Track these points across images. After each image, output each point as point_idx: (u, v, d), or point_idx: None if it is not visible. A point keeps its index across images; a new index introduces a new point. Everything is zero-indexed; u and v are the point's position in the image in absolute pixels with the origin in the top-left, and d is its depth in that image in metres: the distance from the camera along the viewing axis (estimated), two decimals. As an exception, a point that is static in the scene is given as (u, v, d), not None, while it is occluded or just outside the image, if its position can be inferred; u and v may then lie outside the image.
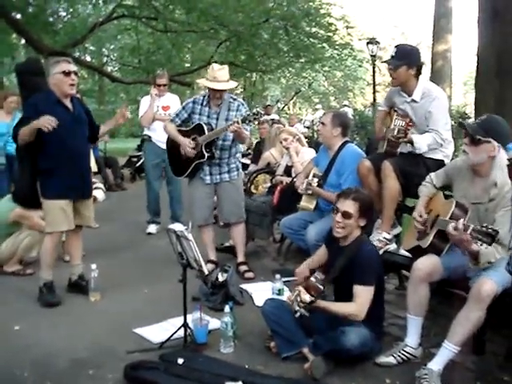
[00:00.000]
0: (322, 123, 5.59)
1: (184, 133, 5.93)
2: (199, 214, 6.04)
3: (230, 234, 6.41)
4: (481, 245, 3.32)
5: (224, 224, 6.73)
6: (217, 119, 5.83)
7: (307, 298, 3.83)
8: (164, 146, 7.75)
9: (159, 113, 7.90)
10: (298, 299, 3.86)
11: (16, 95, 8.43)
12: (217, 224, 7.16)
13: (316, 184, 5.45)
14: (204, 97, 5.98)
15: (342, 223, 4.00)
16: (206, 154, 5.76)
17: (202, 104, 5.93)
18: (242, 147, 6.21)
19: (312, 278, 4.01)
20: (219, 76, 5.71)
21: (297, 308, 3.85)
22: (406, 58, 4.82)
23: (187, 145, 5.81)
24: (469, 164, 3.79)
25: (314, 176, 5.59)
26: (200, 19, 16.66)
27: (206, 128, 5.75)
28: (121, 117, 5.45)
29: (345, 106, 25.08)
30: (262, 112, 5.72)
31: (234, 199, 6.04)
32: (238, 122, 5.45)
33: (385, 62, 5.00)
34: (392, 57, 4.88)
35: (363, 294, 3.84)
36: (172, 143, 6.13)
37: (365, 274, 3.87)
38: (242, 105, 5.96)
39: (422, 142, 4.75)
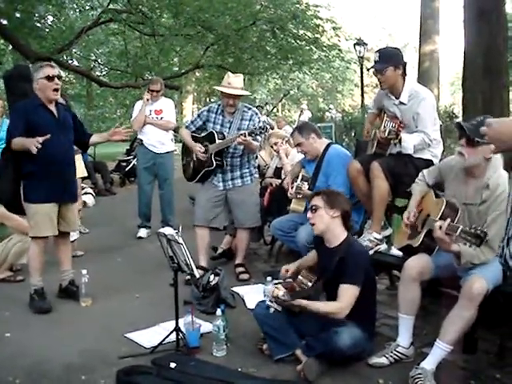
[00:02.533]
0: (298, 144, 5.59)
1: (197, 139, 6.01)
2: (200, 214, 6.04)
3: (236, 237, 6.40)
4: (470, 246, 3.33)
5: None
6: (229, 128, 5.89)
7: (280, 293, 3.86)
8: (155, 150, 7.86)
9: (151, 116, 7.94)
10: (274, 295, 3.87)
11: (1, 99, 8.41)
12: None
13: (306, 187, 5.44)
14: (219, 105, 6.03)
15: (312, 219, 4.09)
16: (215, 163, 5.83)
17: (216, 112, 5.99)
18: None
19: (300, 276, 4.05)
20: (233, 82, 5.79)
21: (268, 303, 3.90)
22: (390, 59, 4.84)
23: (197, 149, 5.90)
24: (464, 166, 3.78)
25: (302, 179, 5.59)
26: (187, 23, 16.63)
27: (216, 137, 5.81)
28: (113, 134, 5.44)
29: (329, 109, 25.24)
30: (268, 126, 5.77)
31: (248, 204, 6.04)
32: (244, 135, 5.51)
33: (371, 68, 5.01)
34: (376, 62, 4.89)
35: (347, 293, 3.84)
36: (185, 148, 6.23)
37: (351, 273, 3.87)
38: (256, 114, 5.98)
39: (409, 142, 4.77)
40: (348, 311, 3.82)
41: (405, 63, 4.89)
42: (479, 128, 3.64)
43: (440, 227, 3.50)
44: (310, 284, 4.02)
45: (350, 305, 3.82)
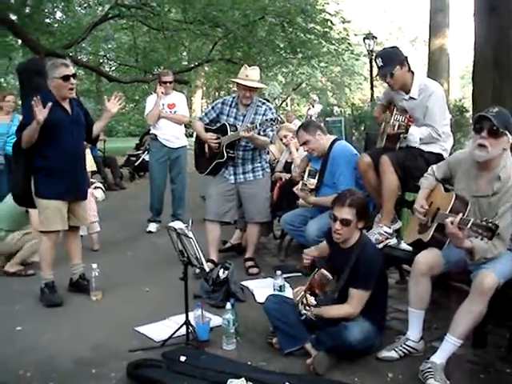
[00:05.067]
0: (304, 142, 5.53)
1: (209, 132, 6.01)
2: (212, 208, 6.04)
3: (246, 231, 6.41)
4: (481, 239, 3.31)
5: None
6: (242, 121, 5.88)
7: (313, 300, 3.86)
8: (170, 144, 7.87)
9: (165, 111, 7.90)
10: (304, 301, 3.88)
11: (13, 94, 8.43)
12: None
13: (314, 182, 5.45)
14: (233, 98, 6.04)
15: (341, 230, 3.99)
16: (226, 155, 5.84)
17: (230, 105, 5.99)
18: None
19: (316, 276, 4.03)
20: (251, 75, 5.79)
21: (303, 311, 3.88)
22: (394, 59, 4.81)
23: (210, 139, 5.92)
24: (485, 158, 3.67)
25: (309, 174, 5.59)
26: (196, 18, 16.63)
27: (229, 129, 5.82)
28: (109, 108, 5.40)
29: (334, 105, 25.20)
30: (279, 118, 5.77)
31: (259, 198, 6.04)
32: (251, 129, 5.53)
33: (377, 75, 5.02)
34: (381, 67, 4.86)
35: (358, 298, 3.87)
36: (199, 140, 6.23)
37: (364, 279, 3.88)
38: (270, 109, 5.96)
39: (415, 135, 4.78)
40: (358, 313, 3.86)
41: (406, 57, 4.87)
42: (501, 118, 3.61)
43: (452, 222, 3.46)
44: (326, 285, 4.00)
45: (360, 308, 3.86)
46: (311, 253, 4.53)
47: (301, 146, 5.77)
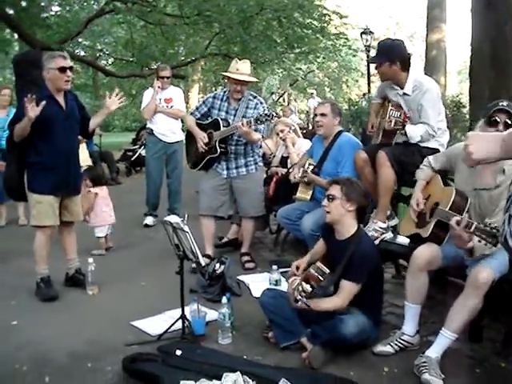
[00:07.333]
0: (322, 114, 5.55)
1: (201, 126, 5.97)
2: (205, 203, 6.02)
3: (241, 226, 6.41)
4: (485, 244, 3.28)
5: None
6: (234, 115, 5.85)
7: (308, 287, 3.85)
8: (166, 139, 7.85)
9: (161, 105, 7.88)
10: (300, 288, 3.87)
11: (9, 88, 8.40)
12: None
13: (311, 171, 5.46)
14: (225, 92, 6.00)
15: (327, 207, 4.06)
16: (219, 150, 5.81)
17: (221, 99, 5.95)
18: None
19: (311, 269, 4.02)
20: (242, 69, 5.77)
21: (298, 297, 3.87)
22: (386, 54, 4.83)
23: (201, 139, 5.87)
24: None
25: (309, 164, 5.60)
26: (192, 13, 16.60)
27: (221, 124, 5.78)
28: (109, 105, 5.39)
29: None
30: (275, 114, 5.75)
31: (253, 192, 6.02)
32: (246, 123, 5.49)
33: (369, 60, 5.06)
34: (374, 55, 4.91)
35: (347, 290, 3.87)
36: (190, 135, 6.18)
37: (355, 272, 3.88)
38: (261, 103, 5.94)
39: (415, 132, 4.78)
40: (346, 305, 3.87)
41: (405, 57, 4.84)
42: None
43: (458, 223, 3.38)
44: (322, 278, 4.00)
45: (348, 300, 3.87)
46: (299, 264, 4.38)
47: (317, 115, 5.69)
